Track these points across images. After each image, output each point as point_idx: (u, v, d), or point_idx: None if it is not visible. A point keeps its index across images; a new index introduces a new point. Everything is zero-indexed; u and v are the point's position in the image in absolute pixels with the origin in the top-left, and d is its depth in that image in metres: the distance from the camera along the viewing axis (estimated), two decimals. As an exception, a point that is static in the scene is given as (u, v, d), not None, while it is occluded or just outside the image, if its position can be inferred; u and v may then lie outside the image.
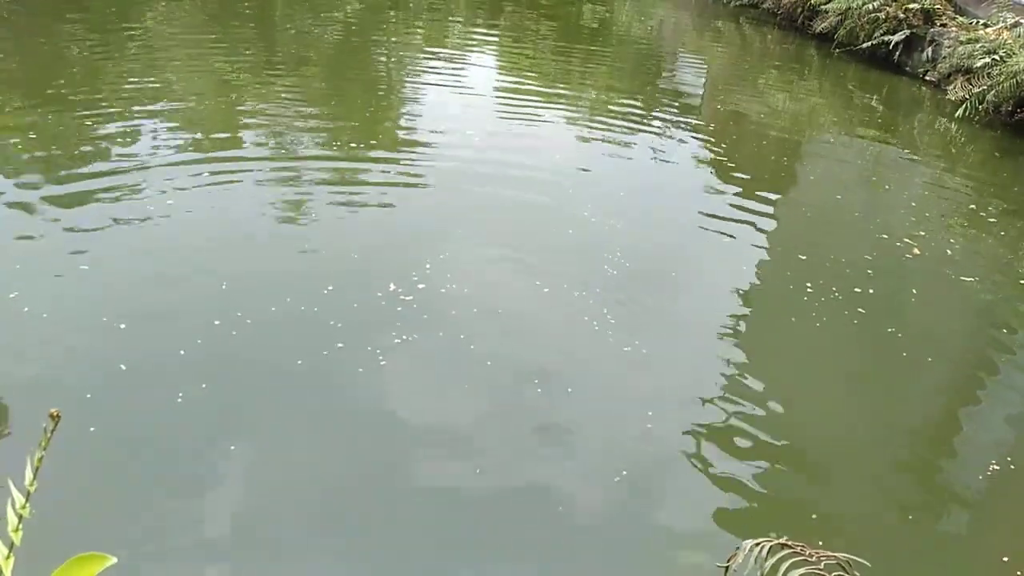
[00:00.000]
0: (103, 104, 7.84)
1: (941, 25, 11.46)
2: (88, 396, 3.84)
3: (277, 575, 3.13)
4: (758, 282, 5.79)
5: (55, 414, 0.86)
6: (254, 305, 4.65)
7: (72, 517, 3.15)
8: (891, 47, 11.74)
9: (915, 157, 8.99)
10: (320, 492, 3.50)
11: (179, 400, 3.87)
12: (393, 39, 12.41)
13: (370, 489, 3.56)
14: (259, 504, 3.40)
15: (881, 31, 11.86)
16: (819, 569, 1.79)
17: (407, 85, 10.05)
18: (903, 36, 11.58)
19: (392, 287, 4.95)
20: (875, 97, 11.17)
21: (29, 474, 0.87)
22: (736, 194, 7.30)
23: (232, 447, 3.66)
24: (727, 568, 1.96)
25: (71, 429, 3.31)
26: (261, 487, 3.48)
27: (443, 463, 3.74)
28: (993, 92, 9.43)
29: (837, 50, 12.59)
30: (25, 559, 0.98)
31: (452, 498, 3.53)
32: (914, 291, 5.96)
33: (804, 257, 6.17)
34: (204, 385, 3.98)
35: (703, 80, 12.09)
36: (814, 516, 3.69)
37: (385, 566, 3.22)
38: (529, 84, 10.52)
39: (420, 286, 5.00)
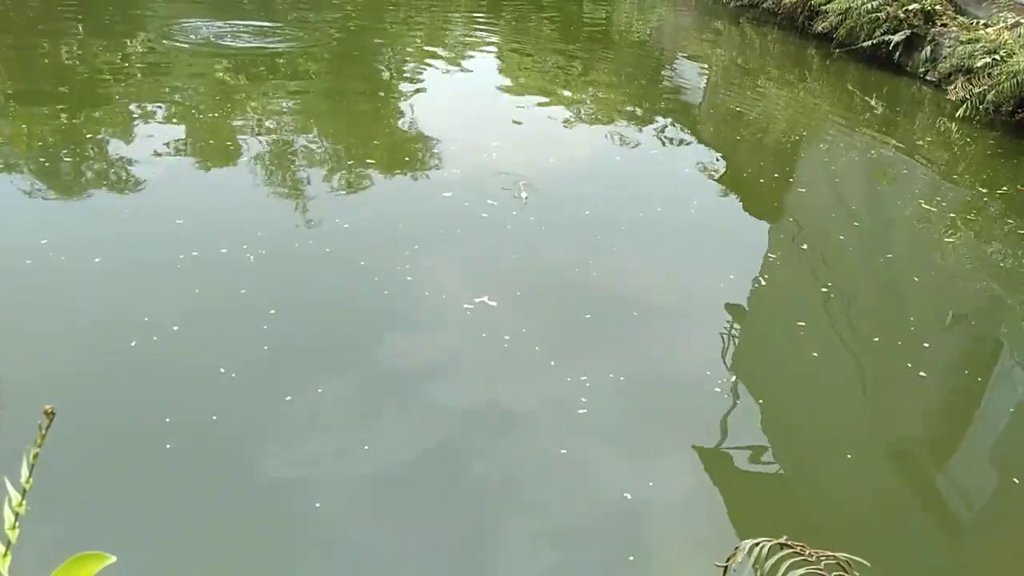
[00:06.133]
0: (103, 102, 7.83)
1: (941, 25, 11.44)
2: (87, 393, 3.84)
3: (276, 573, 3.13)
4: (757, 284, 5.79)
5: (50, 410, 0.86)
6: (244, 306, 4.66)
7: (70, 515, 3.14)
8: (891, 47, 11.72)
9: (915, 157, 8.98)
10: (318, 491, 3.49)
11: (180, 399, 3.86)
12: (393, 40, 12.40)
13: (356, 497, 3.56)
14: (258, 503, 3.39)
15: (881, 31, 11.83)
16: (819, 569, 1.78)
17: (406, 85, 10.04)
18: (903, 36, 11.55)
19: (385, 292, 4.97)
20: (875, 97, 11.16)
21: (25, 471, 0.87)
22: (736, 195, 7.29)
23: (232, 445, 3.65)
24: (726, 568, 1.96)
25: (70, 429, 3.30)
26: (261, 486, 3.48)
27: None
28: (994, 92, 9.41)
29: (837, 50, 12.58)
30: (23, 557, 0.97)
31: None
32: (914, 293, 5.95)
33: (803, 258, 6.16)
34: (203, 384, 3.98)
35: (703, 80, 12.07)
36: (812, 518, 3.69)
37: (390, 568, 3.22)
38: (528, 84, 10.52)
39: (409, 287, 5.00)
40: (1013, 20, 10.43)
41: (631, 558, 3.29)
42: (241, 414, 3.84)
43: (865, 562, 1.85)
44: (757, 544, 1.85)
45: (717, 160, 8.30)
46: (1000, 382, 5.00)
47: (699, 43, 14.48)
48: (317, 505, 3.37)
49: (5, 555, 0.88)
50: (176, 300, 4.61)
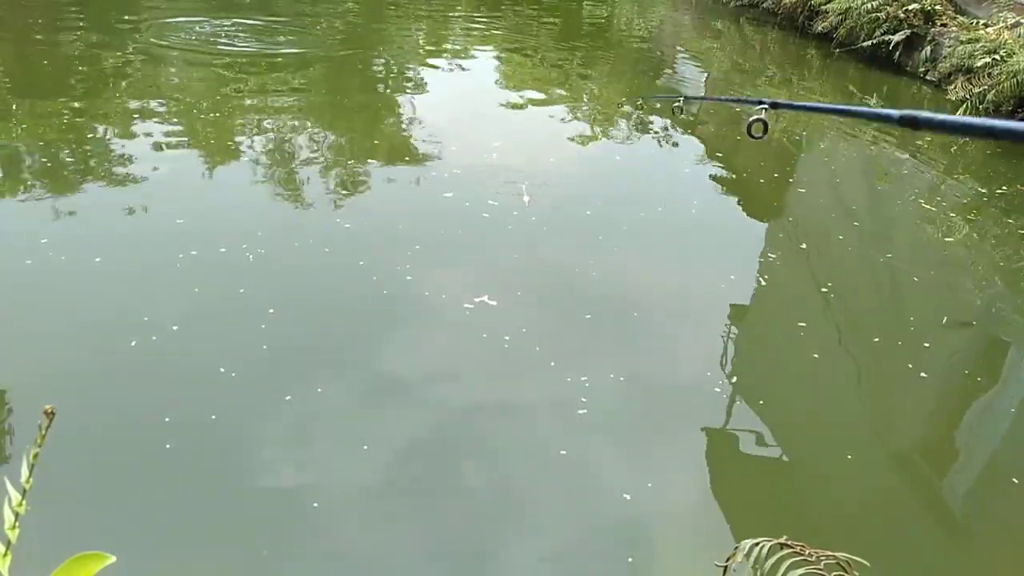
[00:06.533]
0: (103, 102, 7.83)
1: (941, 25, 11.45)
2: (87, 393, 3.84)
3: (275, 573, 3.12)
4: (757, 284, 5.79)
5: (50, 410, 0.86)
6: (243, 306, 4.65)
7: (70, 515, 3.14)
8: (891, 47, 11.73)
9: (915, 157, 8.98)
10: (317, 490, 3.49)
11: (180, 399, 3.86)
12: (393, 40, 12.40)
13: (355, 497, 3.56)
14: (258, 502, 3.39)
15: (881, 31, 11.85)
16: (819, 569, 1.78)
17: (407, 85, 10.04)
18: (903, 36, 11.56)
19: (385, 292, 4.97)
20: (875, 97, 11.16)
21: (25, 471, 0.87)
22: (736, 195, 7.29)
23: (232, 445, 3.65)
24: (726, 568, 1.96)
25: (70, 429, 3.31)
26: (260, 485, 3.48)
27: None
28: (993, 92, 9.42)
29: (837, 50, 12.59)
30: (23, 557, 0.97)
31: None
32: (914, 293, 5.95)
33: (803, 258, 6.16)
34: (203, 384, 3.98)
35: (703, 79, 12.08)
36: (812, 518, 3.69)
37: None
38: (529, 84, 10.51)
39: (408, 288, 5.00)
40: (1013, 20, 10.44)
41: (630, 559, 3.29)
42: (241, 414, 3.84)
43: (865, 562, 1.85)
44: (757, 544, 1.85)
45: (717, 160, 8.29)
46: (1000, 387, 5.00)
47: (699, 43, 14.48)
48: (315, 505, 3.37)
49: (5, 555, 0.88)
50: (176, 300, 4.61)
